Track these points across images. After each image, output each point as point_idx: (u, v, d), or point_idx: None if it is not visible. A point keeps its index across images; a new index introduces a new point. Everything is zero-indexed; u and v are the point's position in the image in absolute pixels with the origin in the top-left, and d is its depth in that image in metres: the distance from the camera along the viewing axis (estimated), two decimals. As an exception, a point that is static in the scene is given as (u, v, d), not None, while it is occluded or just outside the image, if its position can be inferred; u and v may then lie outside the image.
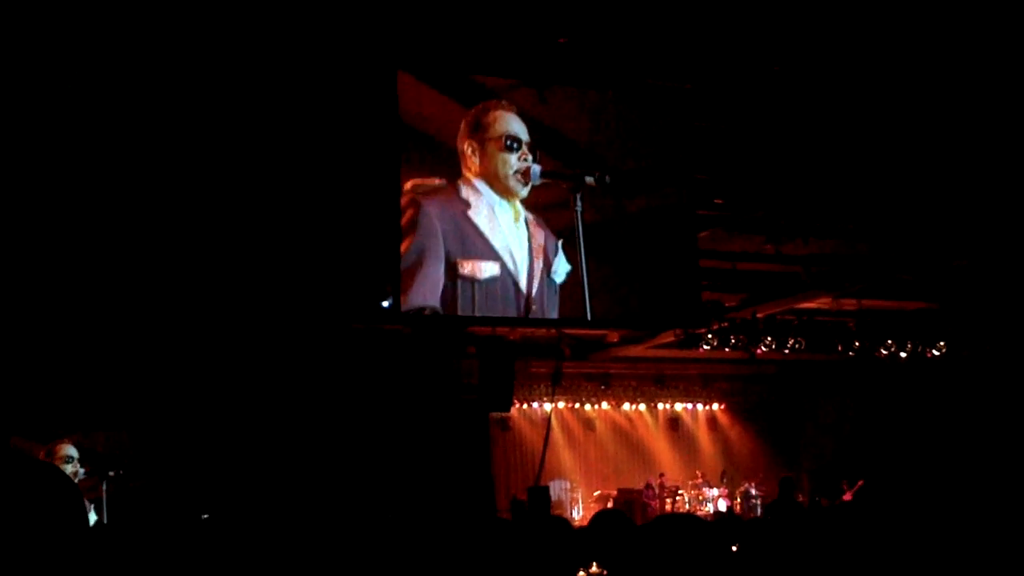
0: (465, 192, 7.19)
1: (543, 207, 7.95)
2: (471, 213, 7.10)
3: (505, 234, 7.16)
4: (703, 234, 11.06)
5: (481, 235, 7.07)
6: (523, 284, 7.30)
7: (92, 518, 6.54)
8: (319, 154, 9.13)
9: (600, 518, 4.49)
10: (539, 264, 7.44)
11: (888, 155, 10.38)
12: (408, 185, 7.34)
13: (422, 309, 7.10)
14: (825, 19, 8.39)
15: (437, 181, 7.30)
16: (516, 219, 7.35)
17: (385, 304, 9.99)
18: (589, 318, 8.17)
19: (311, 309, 10.91)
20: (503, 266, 7.10)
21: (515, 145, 7.33)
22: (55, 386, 10.73)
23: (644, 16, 8.28)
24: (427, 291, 7.05)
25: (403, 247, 7.12)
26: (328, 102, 8.75)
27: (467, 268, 6.90)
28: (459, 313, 7.15)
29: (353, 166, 9.23)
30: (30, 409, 10.14)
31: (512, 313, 7.33)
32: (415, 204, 7.17)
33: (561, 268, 7.81)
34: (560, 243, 7.89)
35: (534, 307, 7.26)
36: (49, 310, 10.24)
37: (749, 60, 9.11)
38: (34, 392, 10.44)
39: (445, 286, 7.05)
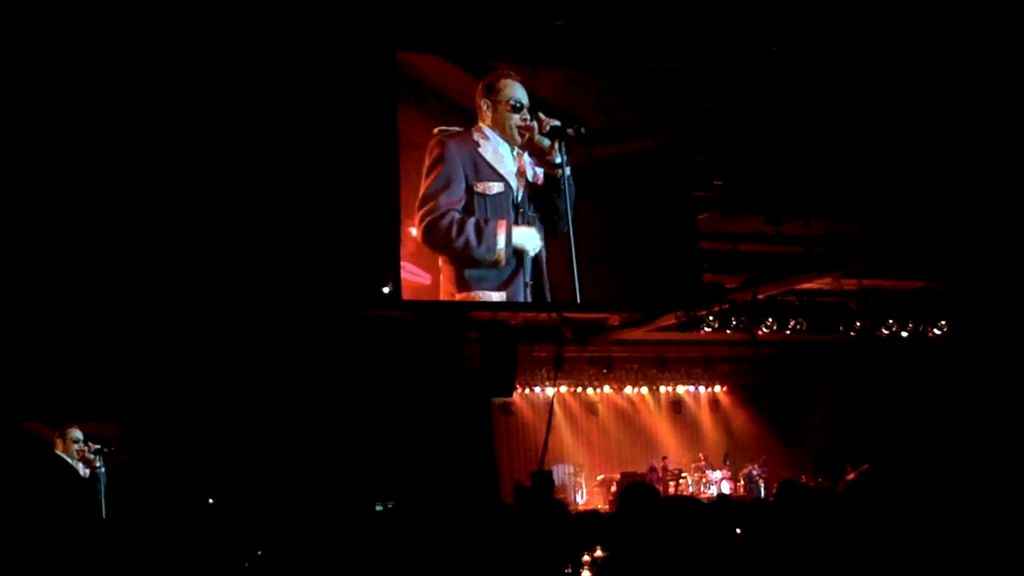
0: (476, 136, 9.58)
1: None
2: (480, 150, 9.56)
3: (505, 163, 9.63)
4: (703, 216, 11.04)
5: (488, 164, 9.55)
6: (516, 197, 9.65)
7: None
8: (316, 140, 9.18)
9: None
10: (522, 180, 9.68)
11: (887, 134, 10.35)
12: (435, 130, 9.51)
13: (448, 211, 9.32)
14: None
15: (456, 128, 9.58)
16: (512, 152, 9.70)
17: (385, 290, 10.00)
18: (579, 300, 9.75)
19: (311, 297, 10.93)
20: (506, 184, 9.54)
21: (518, 107, 9.56)
22: (61, 376, 10.78)
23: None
24: (453, 202, 9.38)
25: (435, 174, 9.42)
26: (324, 86, 8.86)
27: (480, 187, 9.43)
28: (476, 215, 9.41)
29: (350, 152, 9.34)
30: (39, 397, 10.29)
31: (510, 216, 9.54)
32: (442, 143, 9.46)
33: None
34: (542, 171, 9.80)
35: (520, 210, 9.58)
36: (54, 304, 10.28)
37: (746, 40, 9.09)
38: (42, 382, 10.53)
39: (465, 199, 9.40)
